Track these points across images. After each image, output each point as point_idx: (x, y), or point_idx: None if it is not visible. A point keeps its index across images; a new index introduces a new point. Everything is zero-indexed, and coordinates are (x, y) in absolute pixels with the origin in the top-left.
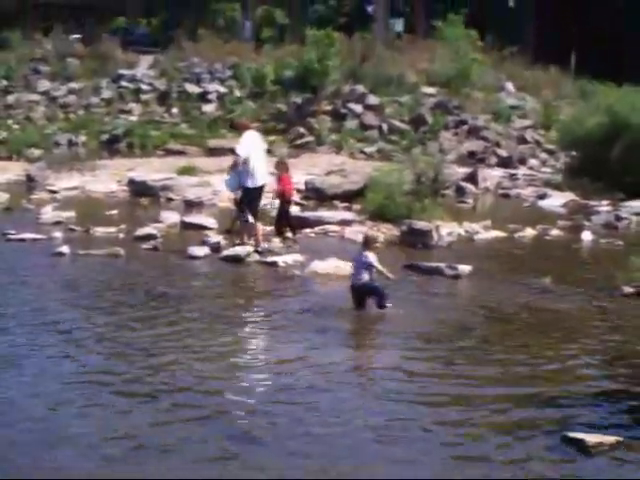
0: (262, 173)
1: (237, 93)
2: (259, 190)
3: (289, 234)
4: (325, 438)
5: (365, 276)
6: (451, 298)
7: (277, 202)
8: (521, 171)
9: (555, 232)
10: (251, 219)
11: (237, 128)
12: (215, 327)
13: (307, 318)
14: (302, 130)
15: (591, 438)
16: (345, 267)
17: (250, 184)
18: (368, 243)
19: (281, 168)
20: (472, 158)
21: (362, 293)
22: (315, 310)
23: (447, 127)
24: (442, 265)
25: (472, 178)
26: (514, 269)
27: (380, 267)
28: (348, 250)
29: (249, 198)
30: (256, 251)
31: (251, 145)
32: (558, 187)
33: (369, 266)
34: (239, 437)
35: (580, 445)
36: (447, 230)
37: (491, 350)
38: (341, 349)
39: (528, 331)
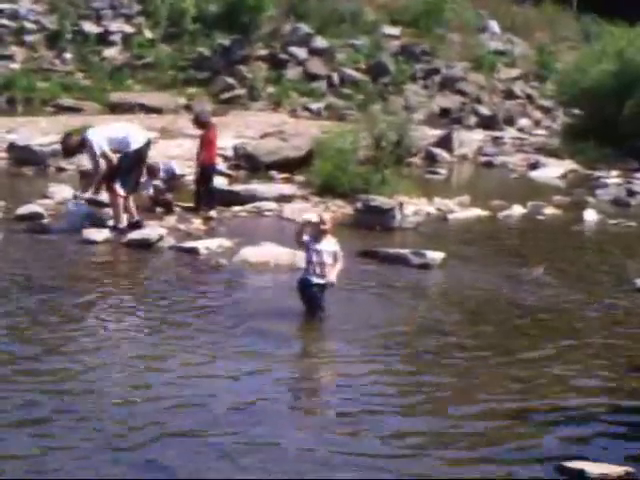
0: (137, 131)
1: (148, 34)
2: (141, 152)
3: (213, 212)
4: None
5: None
6: (418, 293)
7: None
8: (508, 133)
9: (550, 210)
10: (122, 191)
11: (70, 152)
12: (113, 332)
13: (236, 321)
14: (230, 81)
15: (594, 468)
16: (284, 254)
17: (127, 148)
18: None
19: (203, 124)
20: (446, 117)
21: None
22: (247, 310)
23: (414, 78)
24: (407, 252)
25: (446, 142)
26: (498, 257)
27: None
28: (288, 233)
29: (126, 164)
30: (114, 228)
31: (100, 133)
32: (555, 154)
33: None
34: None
35: (580, 477)
36: (413, 208)
37: (468, 358)
38: (278, 359)
39: (515, 334)
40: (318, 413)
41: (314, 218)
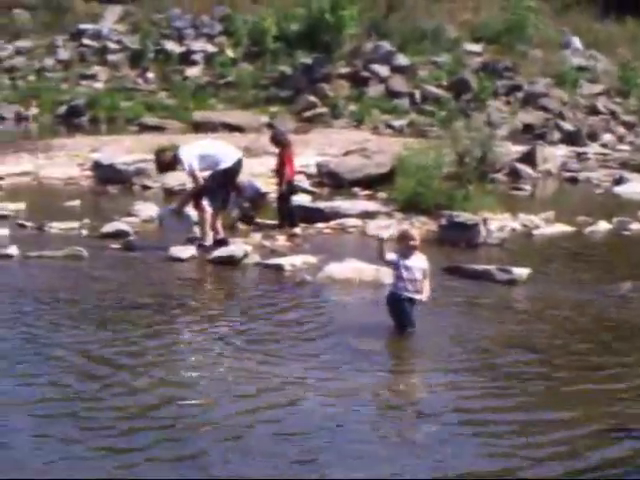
0: (229, 150)
1: (230, 53)
2: (231, 171)
3: (297, 229)
4: None
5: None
6: (505, 310)
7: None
8: (592, 149)
9: (636, 226)
10: (210, 209)
11: (164, 167)
12: (201, 350)
13: (324, 337)
14: (313, 99)
15: None
16: (369, 270)
17: (217, 167)
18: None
19: (281, 142)
20: (529, 133)
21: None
22: (335, 326)
23: (497, 94)
24: (492, 268)
25: (529, 158)
26: (584, 272)
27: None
28: (372, 249)
29: (217, 182)
30: (200, 245)
31: (189, 150)
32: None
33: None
34: None
35: None
36: (498, 224)
37: (556, 375)
38: (372, 374)
39: (604, 351)
40: (410, 431)
41: (386, 234)
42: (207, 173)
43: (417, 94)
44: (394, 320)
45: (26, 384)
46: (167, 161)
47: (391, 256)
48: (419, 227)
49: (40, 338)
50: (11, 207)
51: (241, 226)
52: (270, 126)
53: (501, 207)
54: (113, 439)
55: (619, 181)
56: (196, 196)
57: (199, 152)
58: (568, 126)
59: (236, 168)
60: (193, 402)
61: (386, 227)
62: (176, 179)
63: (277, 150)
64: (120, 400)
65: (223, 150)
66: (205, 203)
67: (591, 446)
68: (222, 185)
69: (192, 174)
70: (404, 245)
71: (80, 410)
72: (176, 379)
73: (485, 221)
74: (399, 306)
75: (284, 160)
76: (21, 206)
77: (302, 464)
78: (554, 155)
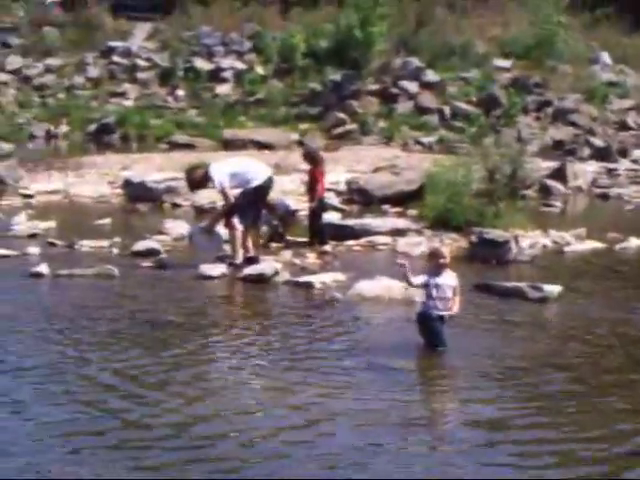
0: (259, 168)
1: (259, 70)
2: (262, 189)
3: (327, 246)
4: None
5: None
6: (537, 327)
7: (309, 205)
8: (622, 165)
9: None
10: (240, 226)
11: (195, 185)
12: (231, 370)
13: (355, 356)
14: (342, 116)
15: None
16: (398, 288)
17: (248, 184)
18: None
19: (314, 159)
20: (559, 149)
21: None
22: (365, 345)
23: (527, 110)
24: (523, 285)
25: (560, 174)
26: (616, 289)
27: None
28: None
29: (247, 200)
30: (230, 263)
31: (220, 167)
32: None
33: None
34: None
35: None
36: (529, 241)
37: (590, 394)
38: (408, 403)
39: (638, 369)
40: (446, 465)
41: (406, 260)
42: (238, 191)
43: (446, 110)
44: (425, 339)
45: (66, 412)
46: (198, 179)
47: (419, 279)
48: (449, 244)
49: (70, 358)
50: (42, 225)
51: (271, 244)
52: (300, 143)
53: (532, 224)
54: (161, 473)
55: None
56: (227, 214)
57: (230, 170)
58: (598, 142)
59: (267, 186)
60: (237, 434)
61: (416, 244)
62: (207, 197)
63: (308, 167)
64: (162, 432)
65: (254, 168)
66: (236, 221)
67: (621, 465)
68: (253, 203)
69: (223, 192)
70: (434, 263)
71: (127, 444)
72: (216, 412)
73: (516, 238)
74: (430, 325)
75: (316, 177)
76: (51, 224)
77: None
78: (584, 171)
